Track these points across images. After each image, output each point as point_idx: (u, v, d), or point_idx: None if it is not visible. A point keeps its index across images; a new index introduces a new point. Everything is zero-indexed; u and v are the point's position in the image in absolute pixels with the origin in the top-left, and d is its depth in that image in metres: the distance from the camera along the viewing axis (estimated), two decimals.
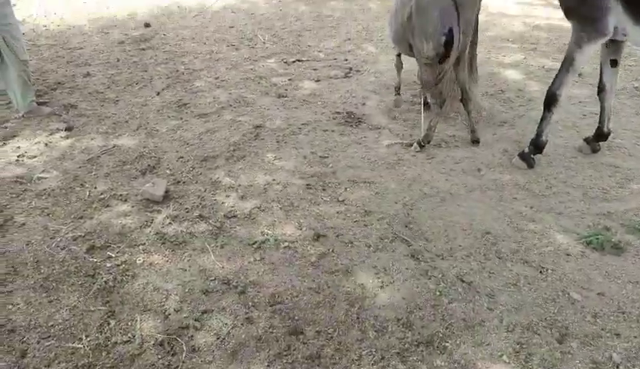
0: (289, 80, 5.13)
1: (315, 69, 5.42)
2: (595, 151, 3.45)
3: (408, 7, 3.43)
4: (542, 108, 3.33)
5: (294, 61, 5.66)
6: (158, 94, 4.84)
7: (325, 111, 4.38)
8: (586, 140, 3.51)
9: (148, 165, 3.56)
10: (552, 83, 3.22)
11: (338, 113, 4.33)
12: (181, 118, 4.31)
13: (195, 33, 6.83)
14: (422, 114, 3.90)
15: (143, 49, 6.20)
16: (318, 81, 5.09)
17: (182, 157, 3.65)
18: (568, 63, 3.10)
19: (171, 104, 4.57)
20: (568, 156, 3.49)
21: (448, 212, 2.94)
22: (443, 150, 3.68)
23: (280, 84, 5.01)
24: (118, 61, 5.81)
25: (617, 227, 2.71)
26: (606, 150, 3.50)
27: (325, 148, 3.74)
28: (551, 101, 3.22)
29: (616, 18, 2.85)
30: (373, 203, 3.06)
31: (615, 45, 3.15)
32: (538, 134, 3.33)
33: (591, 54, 3.11)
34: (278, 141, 3.87)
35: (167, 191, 3.20)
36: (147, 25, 7.20)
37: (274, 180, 3.33)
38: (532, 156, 3.32)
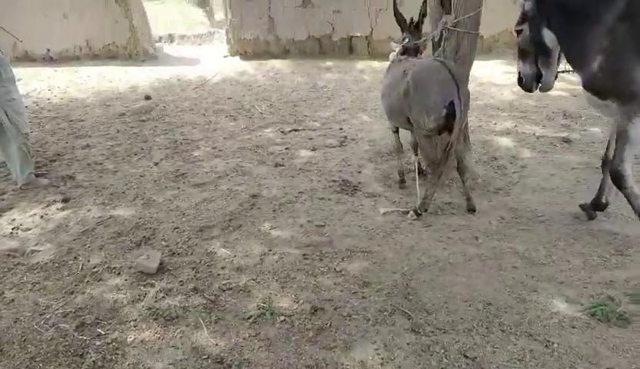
0: (286, 149, 5.21)
1: (310, 138, 5.53)
2: (591, 218, 3.45)
3: (404, 82, 3.53)
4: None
5: (290, 131, 5.79)
6: (157, 164, 4.89)
7: (321, 180, 4.42)
8: (582, 206, 3.52)
9: (144, 236, 3.53)
10: (613, 160, 3.01)
11: (334, 181, 4.37)
12: (179, 188, 4.33)
13: (194, 104, 7.03)
14: (417, 182, 3.94)
15: (143, 121, 6.35)
16: (314, 149, 5.17)
17: (178, 228, 3.63)
18: (623, 138, 2.92)
19: (169, 174, 4.61)
20: (566, 223, 3.48)
21: (447, 282, 2.89)
22: (440, 217, 3.67)
23: (277, 153, 5.09)
24: (118, 132, 5.93)
25: (620, 296, 2.65)
26: (603, 216, 3.50)
27: (321, 217, 3.74)
28: (618, 178, 2.98)
29: None
30: (371, 273, 3.01)
31: None
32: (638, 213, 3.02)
33: None
34: (274, 210, 3.87)
35: (161, 263, 3.14)
36: (147, 98, 7.43)
37: (270, 250, 3.30)
38: None
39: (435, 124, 3.40)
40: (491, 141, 5.11)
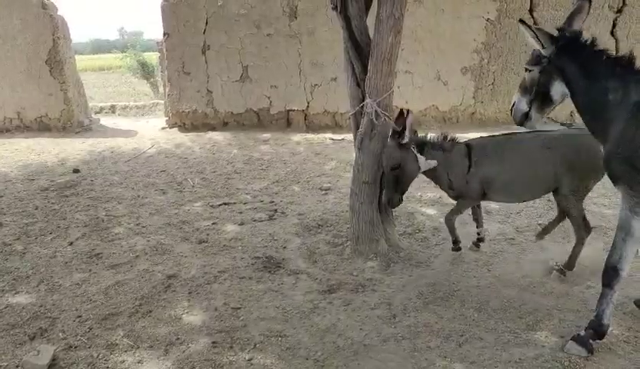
0: (213, 224, 5.09)
1: (240, 212, 5.44)
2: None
3: (559, 153, 3.56)
4: (601, 284, 2.78)
5: (220, 205, 5.69)
6: (71, 244, 4.62)
7: (244, 257, 4.30)
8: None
9: (40, 328, 3.23)
10: (610, 256, 2.72)
11: (258, 258, 4.26)
12: (90, 270, 4.07)
13: (125, 178, 6.84)
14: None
15: (66, 196, 6.08)
16: (242, 224, 5.08)
17: (81, 317, 3.36)
18: (624, 232, 2.64)
19: (82, 255, 4.35)
20: (481, 296, 3.49)
21: (360, 367, 2.78)
22: (360, 295, 3.60)
23: (202, 229, 4.95)
24: (37, 209, 5.63)
25: None
26: (516, 289, 3.56)
27: (238, 298, 3.59)
28: (611, 277, 2.70)
29: None
30: (283, 361, 2.86)
31: None
32: (598, 316, 2.75)
33: None
34: (190, 293, 3.68)
35: (54, 359, 2.86)
36: (76, 171, 7.18)
37: (177, 339, 3.09)
38: (591, 340, 2.77)
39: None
40: (416, 212, 5.21)
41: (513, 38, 8.59)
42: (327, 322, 3.25)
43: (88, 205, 5.73)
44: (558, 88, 2.92)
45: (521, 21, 2.93)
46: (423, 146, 3.80)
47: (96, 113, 12.42)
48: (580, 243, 3.67)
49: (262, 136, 9.05)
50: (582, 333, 2.81)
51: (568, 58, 2.78)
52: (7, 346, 3.07)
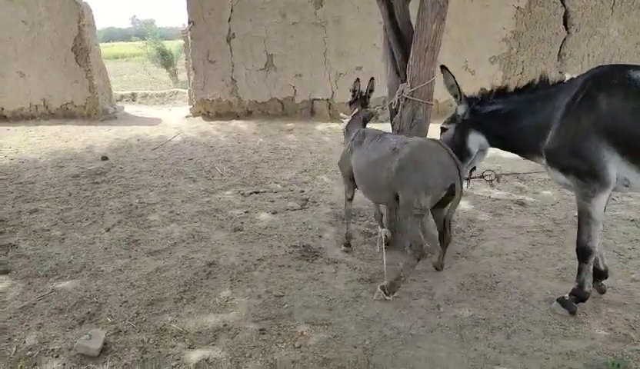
0: (246, 212, 5.11)
1: (271, 201, 5.46)
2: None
3: (396, 160, 3.31)
4: (577, 260, 3.11)
5: (251, 193, 5.71)
6: (108, 230, 4.68)
7: (281, 245, 4.31)
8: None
9: (88, 312, 3.29)
10: (579, 238, 3.03)
11: (295, 246, 4.27)
12: (130, 256, 4.12)
13: (153, 166, 6.90)
14: (384, 255, 3.82)
15: (97, 183, 6.15)
16: (274, 213, 5.09)
17: (126, 302, 3.41)
18: (585, 217, 2.96)
19: (121, 241, 4.40)
20: (524, 288, 3.48)
21: (410, 356, 2.79)
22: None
23: (236, 217, 4.98)
24: (70, 195, 5.70)
25: (582, 368, 2.62)
26: (558, 281, 3.53)
27: (280, 286, 3.61)
28: (585, 254, 3.04)
29: (616, 167, 2.78)
30: (332, 348, 2.87)
31: None
32: (580, 285, 3.11)
33: (604, 203, 2.92)
34: (231, 280, 3.71)
35: (105, 344, 2.91)
36: (104, 158, 7.25)
37: (225, 325, 3.12)
38: (574, 303, 3.12)
39: (431, 205, 3.23)
40: None
41: (543, 27, 8.43)
42: (371, 311, 3.26)
43: (120, 192, 5.78)
44: (474, 139, 3.38)
45: (443, 67, 3.32)
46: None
47: (117, 101, 12.50)
48: (408, 264, 3.35)
49: (287, 125, 9.04)
50: (566, 296, 3.17)
51: (486, 111, 3.27)
52: (57, 330, 3.12)
